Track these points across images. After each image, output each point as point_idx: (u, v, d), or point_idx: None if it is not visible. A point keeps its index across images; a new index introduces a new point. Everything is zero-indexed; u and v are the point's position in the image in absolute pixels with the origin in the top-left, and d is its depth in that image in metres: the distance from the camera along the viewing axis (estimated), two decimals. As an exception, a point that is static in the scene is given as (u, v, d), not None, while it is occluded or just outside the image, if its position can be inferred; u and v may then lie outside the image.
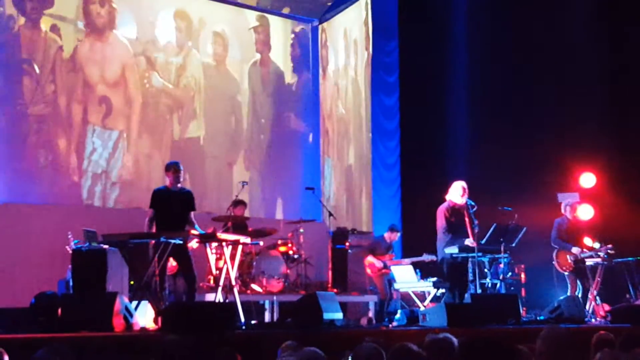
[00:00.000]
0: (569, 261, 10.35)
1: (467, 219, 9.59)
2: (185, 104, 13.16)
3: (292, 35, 14.34)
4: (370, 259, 11.48)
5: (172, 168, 8.42)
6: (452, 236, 9.57)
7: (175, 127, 12.98)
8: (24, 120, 11.50)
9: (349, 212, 14.13)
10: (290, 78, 14.20)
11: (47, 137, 11.68)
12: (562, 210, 10.70)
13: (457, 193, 9.67)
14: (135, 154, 12.49)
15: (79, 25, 12.18)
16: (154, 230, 8.18)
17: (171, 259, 8.31)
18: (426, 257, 11.01)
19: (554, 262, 10.48)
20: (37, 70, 11.64)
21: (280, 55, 14.19)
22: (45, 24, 11.81)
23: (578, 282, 10.36)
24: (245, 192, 11.00)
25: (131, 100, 12.57)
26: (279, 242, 10.77)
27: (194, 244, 8.72)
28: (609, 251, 10.27)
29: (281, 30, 14.27)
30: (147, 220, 8.27)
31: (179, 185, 8.42)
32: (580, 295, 10.11)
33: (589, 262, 10.31)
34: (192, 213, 8.41)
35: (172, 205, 8.26)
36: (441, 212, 9.71)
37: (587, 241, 10.79)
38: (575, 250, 10.29)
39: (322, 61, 14.43)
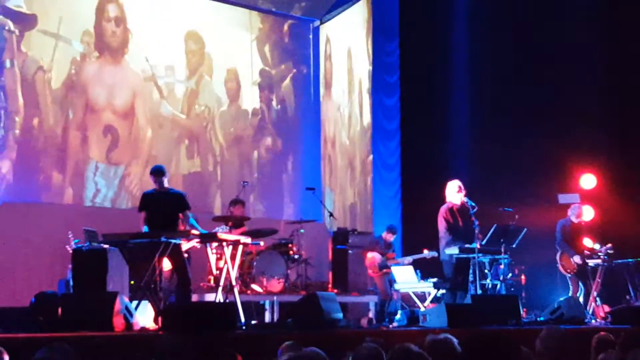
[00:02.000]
0: (573, 264, 10.37)
1: (470, 218, 9.57)
2: (199, 135, 12.68)
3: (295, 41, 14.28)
4: (370, 254, 11.47)
5: (152, 176, 8.45)
6: (452, 238, 9.57)
7: (183, 160, 12.49)
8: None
9: (349, 213, 14.12)
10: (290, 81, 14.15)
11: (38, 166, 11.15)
12: (569, 213, 10.73)
13: (453, 192, 9.66)
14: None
15: (77, 46, 11.64)
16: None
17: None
18: (427, 254, 11.02)
19: (557, 264, 10.49)
20: (14, 94, 11.04)
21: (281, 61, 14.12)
22: (27, 46, 11.22)
23: (580, 283, 10.38)
24: (246, 192, 11.00)
25: (140, 130, 12.05)
26: (280, 242, 10.76)
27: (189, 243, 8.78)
28: (608, 251, 10.30)
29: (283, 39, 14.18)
30: (142, 223, 8.29)
31: (166, 186, 8.43)
32: (581, 297, 10.13)
33: (590, 263, 10.35)
34: (187, 211, 8.41)
35: (161, 207, 8.27)
36: (441, 214, 9.71)
37: (588, 242, 10.81)
38: (577, 258, 10.32)
39: (326, 75, 14.40)
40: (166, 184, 8.44)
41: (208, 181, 12.81)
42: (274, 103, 13.75)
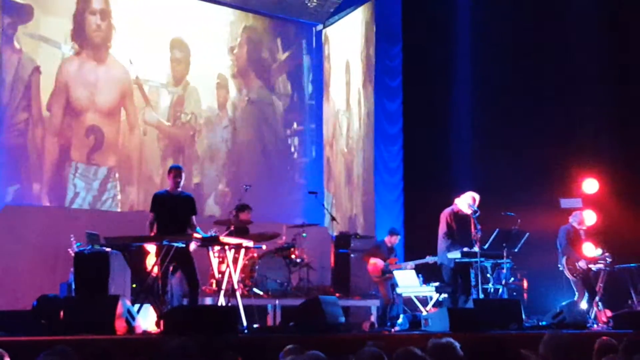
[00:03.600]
0: (579, 268, 10.39)
1: (472, 227, 9.56)
2: (184, 144, 12.38)
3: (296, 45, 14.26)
4: (373, 259, 11.46)
5: (173, 172, 8.39)
6: (453, 242, 9.57)
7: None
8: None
9: (351, 216, 14.12)
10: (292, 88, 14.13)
11: (17, 172, 10.83)
12: (571, 220, 10.74)
13: (466, 202, 9.63)
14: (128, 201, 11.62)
15: (65, 44, 11.29)
16: (154, 233, 8.17)
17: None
18: (430, 259, 10.99)
19: (564, 269, 10.48)
20: (8, 93, 10.75)
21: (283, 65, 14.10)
22: (22, 42, 10.95)
23: (585, 288, 10.38)
24: (248, 196, 11.00)
25: (126, 133, 11.72)
26: (282, 246, 10.76)
27: (192, 245, 8.72)
28: (606, 258, 10.34)
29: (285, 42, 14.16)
30: (148, 223, 8.26)
31: (179, 189, 8.41)
32: (585, 301, 10.13)
33: (592, 267, 10.37)
34: (193, 217, 8.40)
35: (173, 209, 8.23)
36: (444, 217, 9.70)
37: (590, 247, 10.81)
38: (582, 263, 10.36)
39: (325, 78, 14.41)
40: (180, 186, 8.42)
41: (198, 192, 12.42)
42: (272, 107, 13.70)
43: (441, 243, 9.71)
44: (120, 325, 6.76)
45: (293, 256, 10.67)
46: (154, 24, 12.32)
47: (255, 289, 10.04)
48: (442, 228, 9.68)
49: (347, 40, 14.48)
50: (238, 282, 8.68)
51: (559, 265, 10.66)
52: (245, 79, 13.42)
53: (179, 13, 12.67)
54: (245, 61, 13.46)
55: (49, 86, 11.16)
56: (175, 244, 7.77)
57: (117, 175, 11.70)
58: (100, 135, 11.53)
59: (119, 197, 11.71)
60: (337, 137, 14.35)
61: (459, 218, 9.65)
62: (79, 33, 11.49)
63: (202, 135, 12.71)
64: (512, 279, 11.09)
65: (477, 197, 9.67)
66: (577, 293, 10.45)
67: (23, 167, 10.98)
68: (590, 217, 11.94)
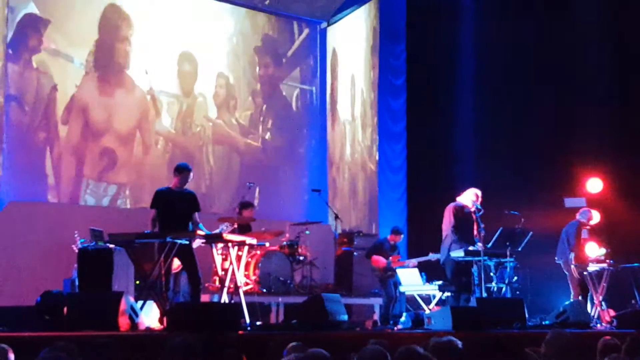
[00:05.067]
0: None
1: (474, 223, 9.56)
2: (194, 154, 12.34)
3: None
4: (375, 257, 11.46)
5: (184, 171, 8.38)
6: (458, 237, 9.56)
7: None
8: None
9: (354, 214, 14.11)
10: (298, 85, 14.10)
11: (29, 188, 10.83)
12: (578, 217, 10.73)
13: (469, 198, 9.64)
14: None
15: (83, 64, 11.34)
16: (157, 230, 8.17)
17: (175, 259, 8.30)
18: (432, 257, 10.98)
19: (570, 264, 10.46)
20: (29, 111, 10.86)
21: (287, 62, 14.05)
22: (40, 60, 11.00)
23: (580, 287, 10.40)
24: (251, 193, 10.99)
25: (139, 153, 11.78)
26: (285, 243, 10.76)
27: (196, 242, 8.73)
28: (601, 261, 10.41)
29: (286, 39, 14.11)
30: (150, 220, 8.27)
31: (182, 187, 8.41)
32: (588, 300, 10.14)
33: (595, 267, 10.37)
34: (196, 213, 8.40)
35: (175, 206, 8.24)
36: (449, 211, 9.68)
37: (593, 246, 10.81)
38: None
39: (332, 93, 14.38)
40: (185, 185, 8.41)
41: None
42: (275, 108, 13.65)
43: (447, 238, 9.68)
44: (123, 322, 6.77)
45: (296, 254, 10.67)
46: (166, 38, 12.32)
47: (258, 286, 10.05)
48: (449, 223, 9.64)
49: (353, 35, 14.39)
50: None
51: (557, 259, 10.62)
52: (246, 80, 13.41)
53: (188, 24, 12.60)
54: (247, 63, 13.46)
55: (67, 104, 11.22)
56: (179, 241, 7.78)
57: (127, 192, 11.74)
58: (114, 156, 11.61)
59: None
60: (344, 149, 14.27)
61: (464, 213, 9.65)
62: (101, 57, 11.56)
63: (210, 143, 12.66)
64: (515, 277, 11.09)
65: (479, 193, 9.67)
66: (572, 291, 10.44)
67: (38, 184, 11.03)
68: (596, 217, 11.95)
